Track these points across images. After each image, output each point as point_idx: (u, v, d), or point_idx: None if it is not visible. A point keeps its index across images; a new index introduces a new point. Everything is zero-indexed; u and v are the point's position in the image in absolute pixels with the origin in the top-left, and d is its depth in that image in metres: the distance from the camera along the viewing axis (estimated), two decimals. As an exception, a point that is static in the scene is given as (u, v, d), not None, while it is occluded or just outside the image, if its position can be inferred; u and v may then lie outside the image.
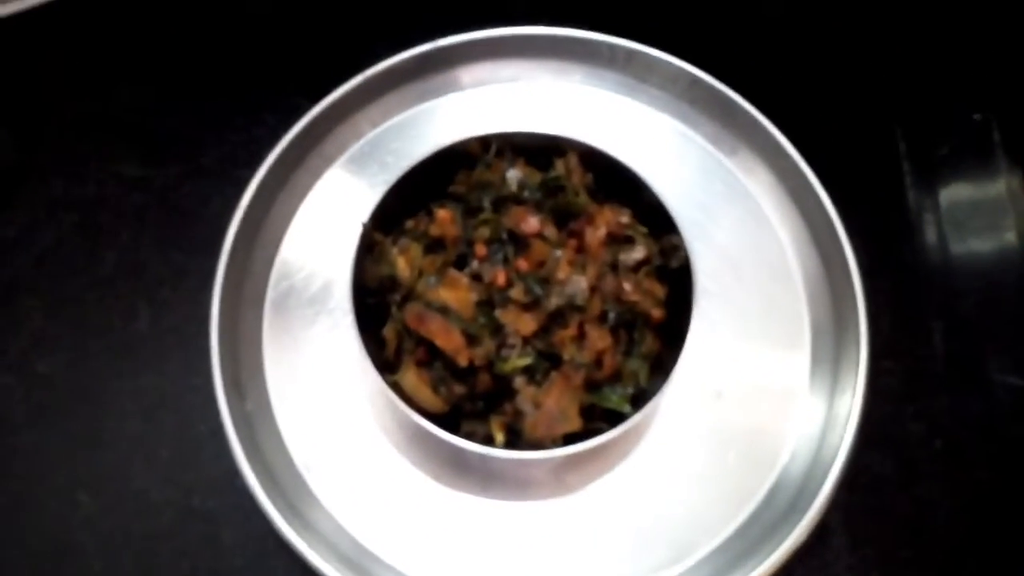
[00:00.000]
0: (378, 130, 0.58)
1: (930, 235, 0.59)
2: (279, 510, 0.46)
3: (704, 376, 0.52)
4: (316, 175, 0.57)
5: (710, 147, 0.58)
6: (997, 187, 0.61)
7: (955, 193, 0.61)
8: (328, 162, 0.57)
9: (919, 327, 0.56)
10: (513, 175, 0.48)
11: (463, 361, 0.44)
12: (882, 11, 0.66)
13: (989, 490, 0.52)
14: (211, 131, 0.58)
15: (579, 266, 0.46)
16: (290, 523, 0.46)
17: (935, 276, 0.58)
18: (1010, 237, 0.60)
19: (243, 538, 0.49)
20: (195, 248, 0.54)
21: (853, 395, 0.49)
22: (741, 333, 0.53)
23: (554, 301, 0.44)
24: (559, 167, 0.49)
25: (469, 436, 0.45)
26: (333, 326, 0.53)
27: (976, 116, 0.63)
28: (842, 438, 0.49)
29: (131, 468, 0.50)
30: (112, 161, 0.57)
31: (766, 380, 0.52)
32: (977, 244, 0.59)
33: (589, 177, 0.50)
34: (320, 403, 0.51)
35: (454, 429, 0.46)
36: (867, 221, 0.54)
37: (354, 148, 0.58)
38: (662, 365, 0.48)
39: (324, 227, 0.56)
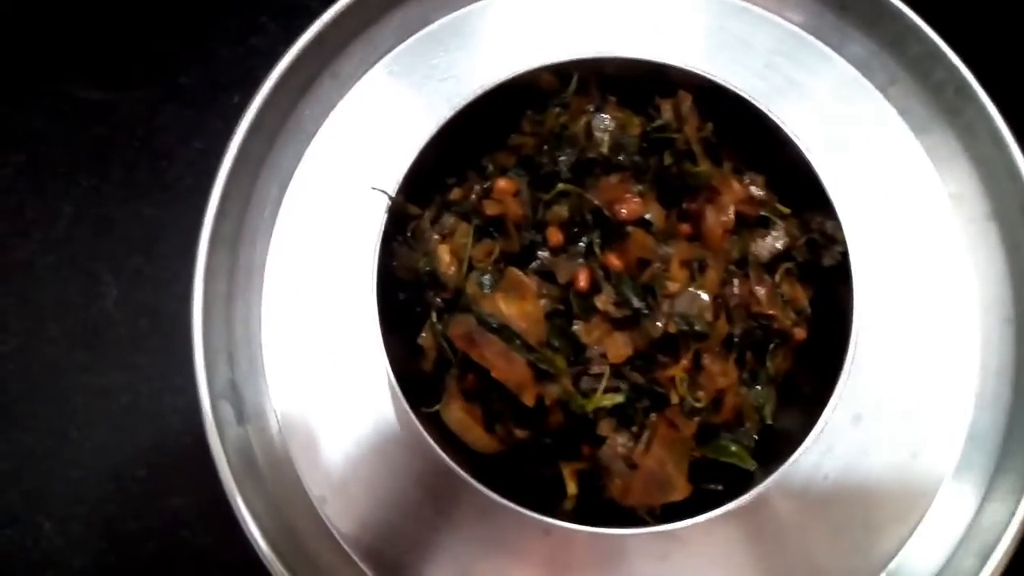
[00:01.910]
0: (412, 40, 0.45)
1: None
2: (283, 552, 0.38)
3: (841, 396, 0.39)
4: (331, 102, 0.44)
5: (861, 77, 0.43)
6: None
7: None
8: (347, 84, 0.44)
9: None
10: (603, 124, 0.34)
11: (529, 400, 0.32)
12: None
13: None
14: (193, 43, 0.47)
15: (695, 265, 0.32)
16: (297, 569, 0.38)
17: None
18: None
19: (243, 581, 0.40)
20: (173, 199, 0.45)
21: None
22: (894, 346, 0.40)
23: (661, 324, 0.31)
24: (666, 112, 0.35)
25: (531, 480, 0.36)
26: (356, 316, 0.40)
27: None
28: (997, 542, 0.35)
29: (101, 490, 0.42)
30: (64, 81, 0.47)
31: (916, 409, 0.40)
32: None
33: (708, 127, 0.36)
34: (341, 417, 0.40)
35: (513, 470, 0.36)
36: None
37: (381, 64, 0.44)
38: (795, 390, 0.36)
39: (341, 174, 0.43)
